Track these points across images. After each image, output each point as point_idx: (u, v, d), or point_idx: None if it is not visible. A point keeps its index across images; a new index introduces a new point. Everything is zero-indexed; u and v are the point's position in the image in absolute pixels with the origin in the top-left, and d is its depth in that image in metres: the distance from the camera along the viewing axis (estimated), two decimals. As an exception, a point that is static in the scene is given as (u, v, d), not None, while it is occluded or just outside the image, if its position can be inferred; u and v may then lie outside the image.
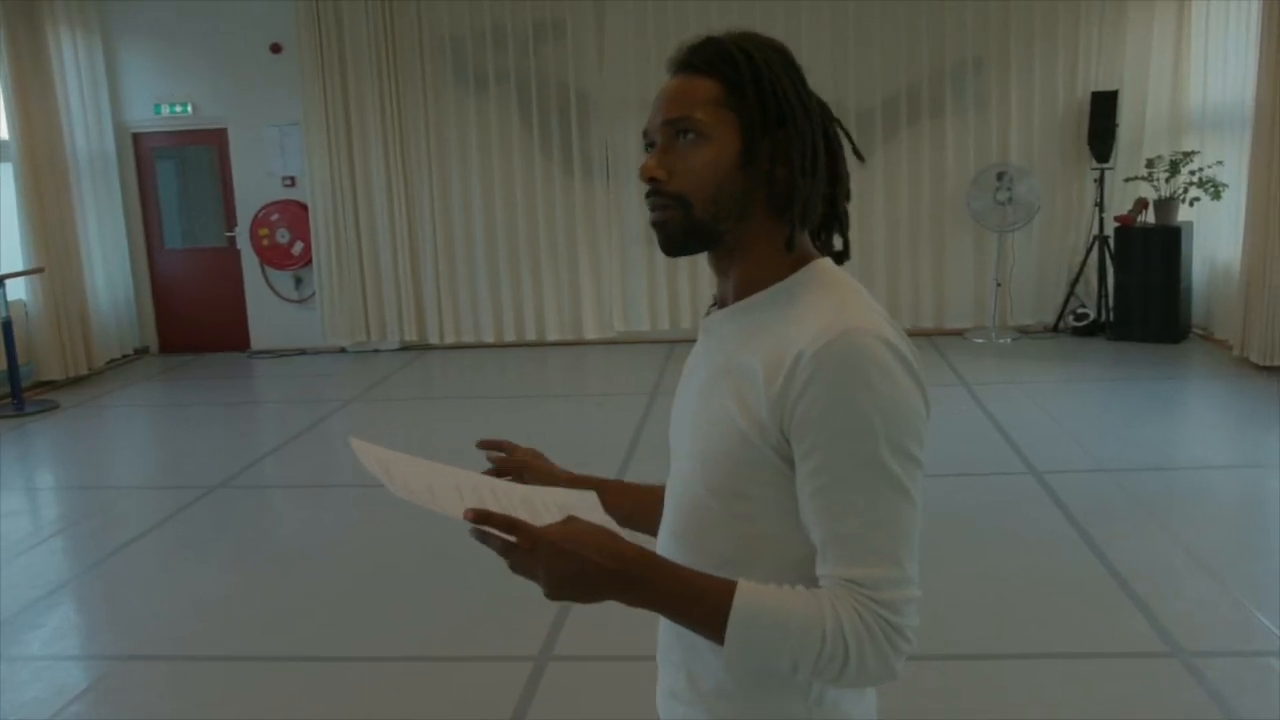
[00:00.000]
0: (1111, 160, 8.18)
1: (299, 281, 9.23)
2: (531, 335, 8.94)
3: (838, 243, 1.32)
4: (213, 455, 6.35)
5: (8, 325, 7.37)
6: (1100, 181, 8.19)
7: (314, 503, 5.53)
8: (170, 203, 9.40)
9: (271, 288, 9.26)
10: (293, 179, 9.05)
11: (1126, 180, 8.25)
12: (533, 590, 1.11)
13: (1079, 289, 8.48)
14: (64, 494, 6.10)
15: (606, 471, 5.16)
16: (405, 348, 9.07)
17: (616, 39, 8.48)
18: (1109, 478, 5.11)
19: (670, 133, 1.23)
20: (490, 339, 8.96)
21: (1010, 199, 8.16)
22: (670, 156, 1.22)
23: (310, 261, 9.02)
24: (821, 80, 8.30)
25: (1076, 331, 8.43)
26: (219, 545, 4.95)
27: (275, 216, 9.05)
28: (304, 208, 8.96)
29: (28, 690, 3.59)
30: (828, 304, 1.17)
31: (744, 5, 8.21)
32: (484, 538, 1.09)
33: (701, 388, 1.26)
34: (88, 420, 7.39)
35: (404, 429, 6.86)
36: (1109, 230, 8.21)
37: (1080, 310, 8.45)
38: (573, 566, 1.08)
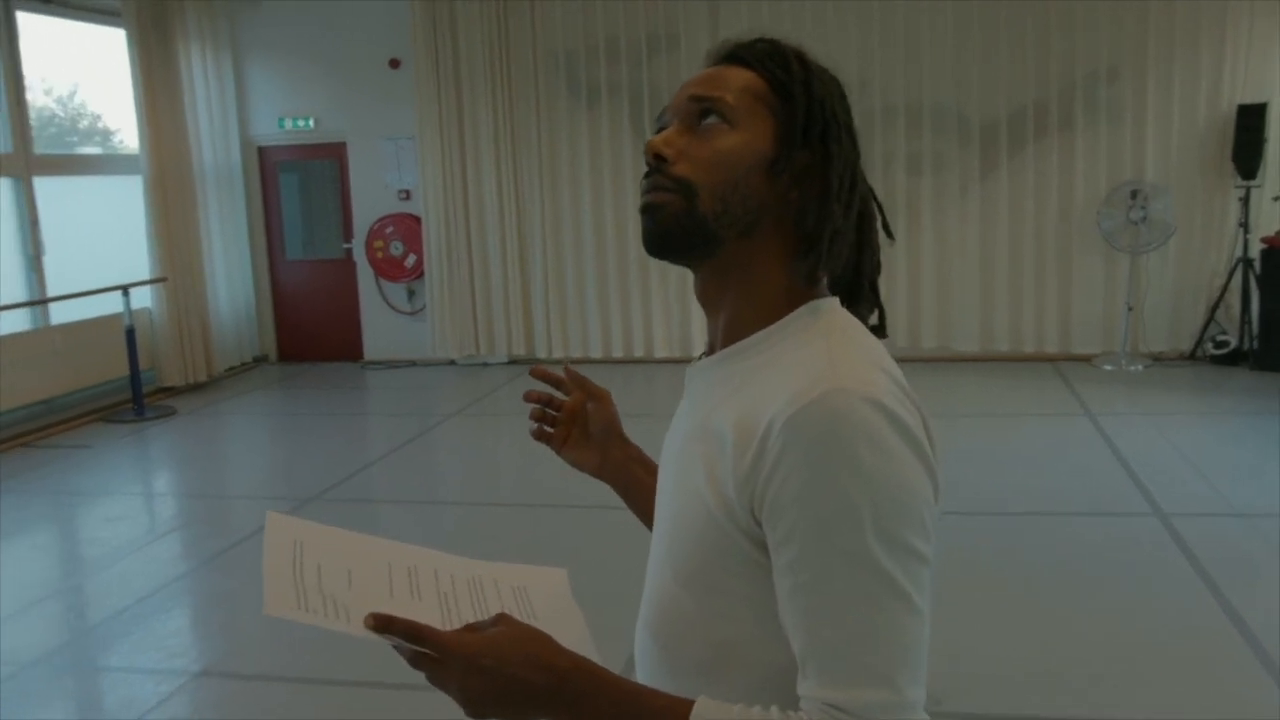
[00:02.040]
0: (1259, 177, 7.64)
1: (411, 294, 9.30)
2: (639, 352, 8.82)
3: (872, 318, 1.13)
4: (317, 465, 6.40)
5: (131, 332, 7.58)
6: (1245, 200, 7.65)
7: (411, 517, 5.49)
8: (292, 214, 9.59)
9: (385, 299, 9.36)
10: (407, 192, 9.13)
11: (1276, 199, 7.70)
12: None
13: (1219, 314, 7.94)
14: (168, 501, 6.21)
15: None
16: (513, 361, 9.05)
17: (728, 26, 8.26)
18: (1244, 523, 4.70)
19: (693, 112, 1.05)
20: (598, 354, 8.87)
21: (1144, 218, 7.69)
22: (685, 138, 1.05)
23: (422, 274, 9.08)
24: (943, 91, 8.02)
25: (1216, 360, 7.89)
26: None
27: (390, 229, 9.14)
28: (418, 220, 9.03)
29: (100, 703, 3.61)
30: (816, 356, 0.97)
31: (862, 7, 7.96)
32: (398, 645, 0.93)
33: (676, 455, 1.08)
34: (202, 427, 7.55)
35: (507, 443, 6.80)
36: (1254, 252, 7.67)
37: (1220, 337, 7.91)
38: (489, 684, 0.91)
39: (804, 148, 1.04)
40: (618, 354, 8.84)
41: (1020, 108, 8.04)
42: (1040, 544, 4.53)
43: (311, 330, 9.64)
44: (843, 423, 0.91)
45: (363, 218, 9.26)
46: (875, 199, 1.13)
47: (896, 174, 8.17)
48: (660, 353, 8.77)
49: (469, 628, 0.97)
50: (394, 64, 8.87)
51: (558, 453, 1.40)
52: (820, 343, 0.99)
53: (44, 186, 7.61)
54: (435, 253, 8.92)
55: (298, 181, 9.57)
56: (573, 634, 1.09)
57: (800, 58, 1.08)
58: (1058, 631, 3.67)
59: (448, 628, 0.99)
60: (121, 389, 7.80)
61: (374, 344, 9.44)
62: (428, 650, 0.92)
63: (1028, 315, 8.21)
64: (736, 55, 1.08)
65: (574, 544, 4.74)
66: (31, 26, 7.61)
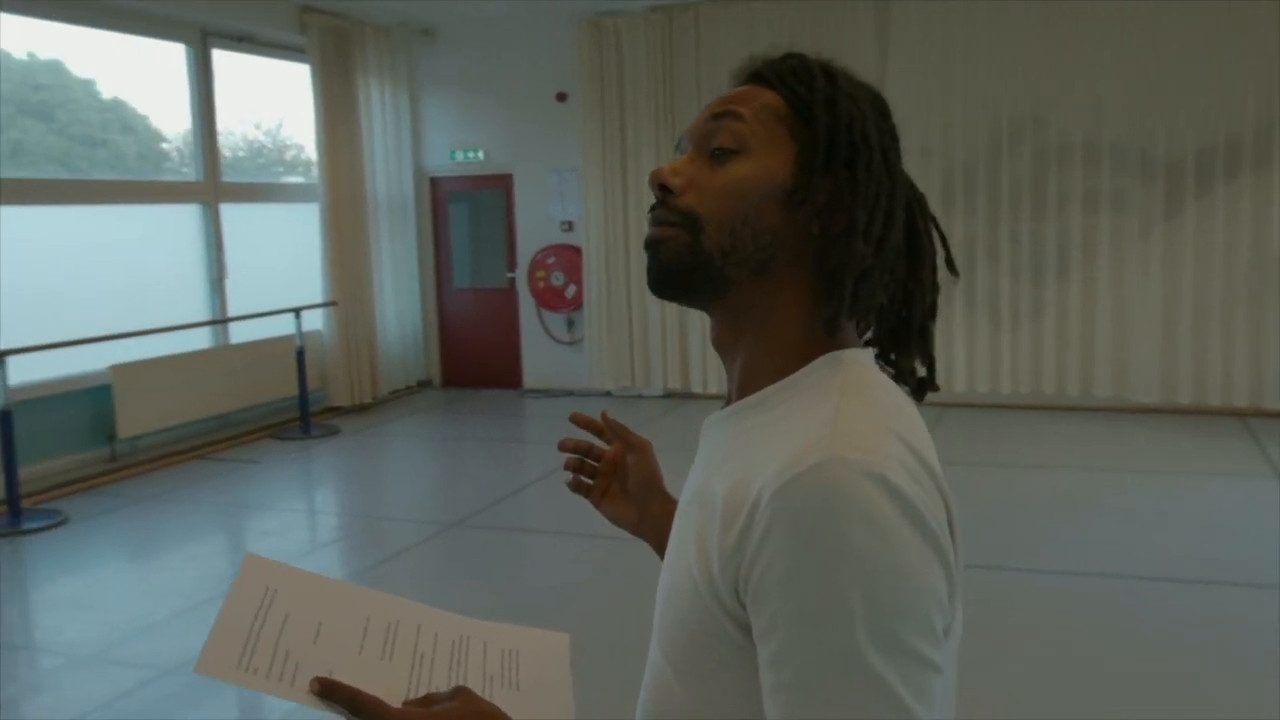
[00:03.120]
0: None
1: (570, 324, 9.40)
2: (795, 389, 8.65)
3: (919, 369, 0.99)
4: (470, 489, 6.49)
5: (301, 353, 7.91)
6: None
7: (555, 547, 5.50)
8: (460, 243, 9.85)
9: (545, 329, 9.49)
10: (570, 223, 9.25)
11: None
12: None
13: None
14: (326, 517, 6.41)
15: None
16: (668, 395, 9.02)
17: (900, 61, 8.09)
18: None
19: (708, 135, 0.95)
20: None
21: (1349, 264, 7.11)
22: (695, 166, 0.95)
23: (582, 305, 9.17)
24: (1124, 127, 7.61)
25: None
26: (446, 583, 4.99)
27: (551, 259, 9.27)
28: (578, 251, 9.13)
29: (251, 705, 3.70)
30: (821, 418, 0.84)
31: (1035, 37, 7.65)
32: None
33: (678, 520, 0.96)
34: (364, 447, 7.78)
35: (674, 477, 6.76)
36: None
37: None
38: None
39: (828, 175, 0.92)
40: (773, 391, 8.69)
41: (1210, 145, 7.56)
42: (1213, 617, 4.18)
43: (474, 357, 9.85)
44: (836, 499, 0.77)
45: (526, 248, 9.43)
46: (936, 229, 1.01)
47: (1072, 213, 7.79)
48: (816, 391, 8.59)
49: (424, 699, 0.90)
50: (561, 98, 9.03)
51: (596, 506, 1.31)
52: (830, 402, 0.87)
53: (229, 213, 8.04)
54: (594, 284, 8.99)
55: (466, 211, 9.83)
56: (554, 706, 1.01)
57: (828, 73, 0.96)
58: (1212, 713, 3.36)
59: (413, 692, 0.93)
60: (291, 407, 8.13)
61: (533, 372, 9.58)
62: None
63: (1214, 365, 7.67)
64: (760, 74, 0.98)
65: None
66: (224, 64, 8.06)
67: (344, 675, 0.89)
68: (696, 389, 8.88)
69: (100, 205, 7.15)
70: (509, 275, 9.59)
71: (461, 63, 9.37)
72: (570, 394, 9.31)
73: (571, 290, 9.21)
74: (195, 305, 7.82)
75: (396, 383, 9.43)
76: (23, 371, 6.03)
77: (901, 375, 0.99)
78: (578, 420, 1.34)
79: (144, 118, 7.84)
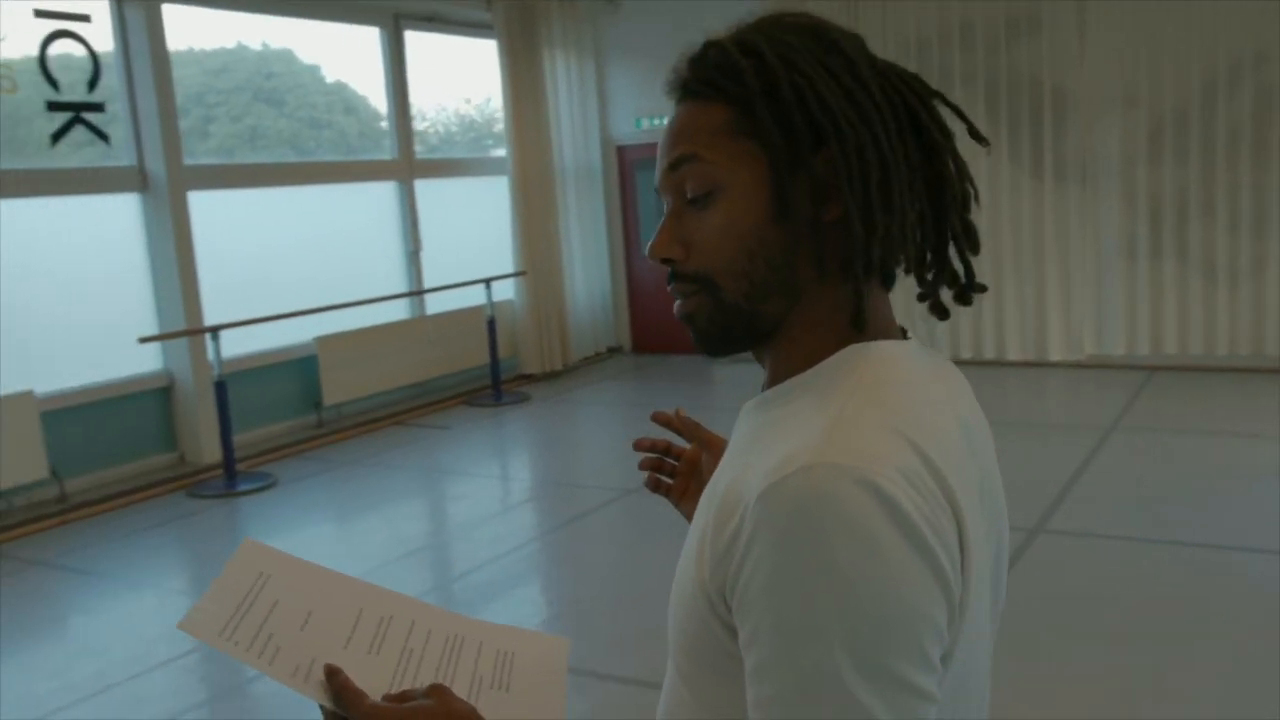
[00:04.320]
0: None
1: (757, 289, 9.31)
2: (990, 353, 8.33)
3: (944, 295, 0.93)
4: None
5: (492, 322, 8.16)
6: None
7: None
8: (648, 211, 9.92)
9: (732, 294, 9.43)
10: (755, 188, 9.15)
11: None
12: None
13: None
14: (510, 483, 6.60)
15: (1028, 515, 4.67)
16: (856, 360, 8.83)
17: (1100, 30, 7.61)
18: None
19: (677, 185, 0.89)
20: (945, 355, 8.46)
21: None
22: (683, 223, 0.89)
23: (768, 269, 9.06)
24: None
25: None
26: (627, 546, 5.07)
27: (737, 225, 9.20)
28: (764, 216, 9.03)
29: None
30: (825, 415, 0.79)
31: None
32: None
33: (695, 514, 0.92)
34: (554, 413, 7.97)
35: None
36: None
37: None
38: None
39: (800, 167, 0.85)
40: (966, 355, 8.40)
41: None
42: None
43: (665, 323, 9.92)
44: (821, 508, 0.72)
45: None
46: (950, 104, 0.93)
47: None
48: (1012, 355, 8.25)
49: (401, 695, 0.91)
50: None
51: (675, 505, 1.27)
52: (837, 401, 0.81)
53: (423, 189, 8.35)
54: (781, 248, 8.87)
55: (653, 179, 9.85)
56: (543, 710, 1.00)
57: (753, 51, 0.86)
58: None
59: (395, 688, 0.93)
60: (484, 375, 8.41)
61: (721, 338, 9.54)
62: (341, 712, 0.87)
63: None
64: (687, 88, 0.90)
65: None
66: (415, 44, 8.35)
67: (324, 665, 0.91)
68: (886, 354, 8.66)
69: (303, 186, 7.55)
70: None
71: (646, 30, 9.38)
72: (760, 360, 9.24)
73: (757, 255, 9.12)
74: (393, 278, 8.19)
75: (587, 349, 9.60)
76: (236, 344, 6.46)
77: (940, 281, 0.93)
78: (658, 419, 1.30)
79: (364, 99, 8.26)
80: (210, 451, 6.36)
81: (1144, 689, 3.32)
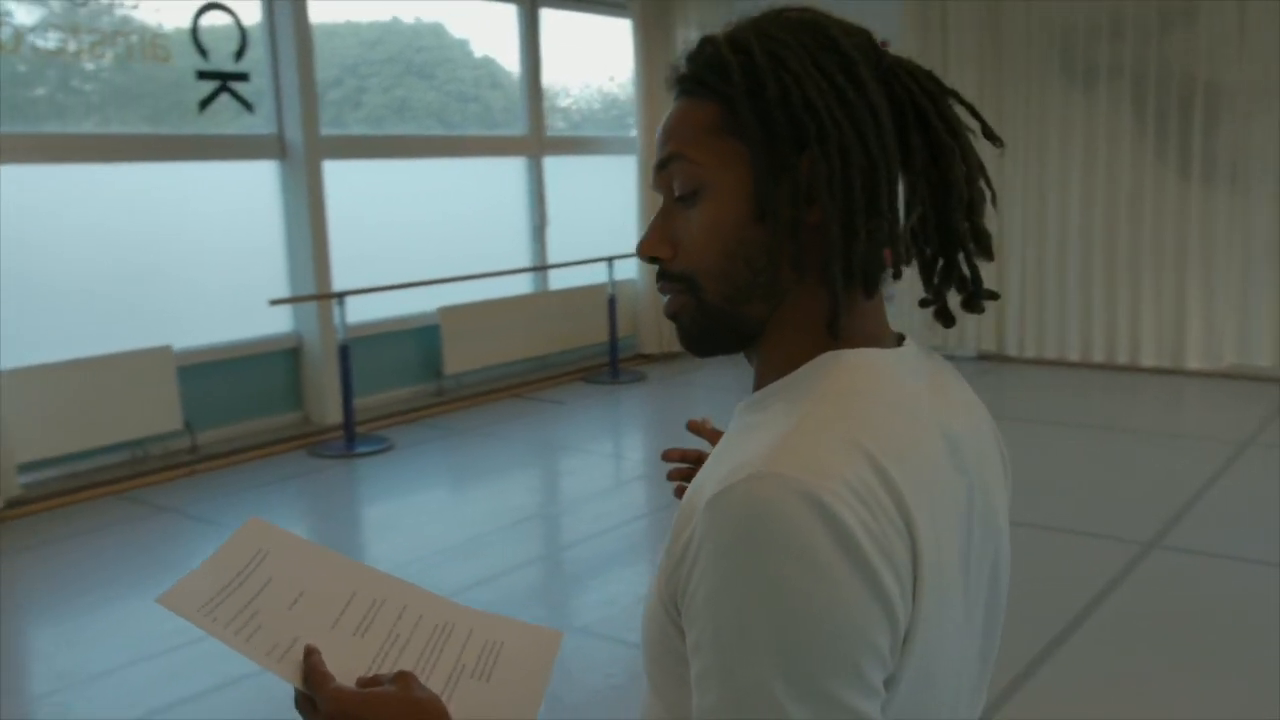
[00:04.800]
0: None
1: (884, 280, 9.14)
2: (1123, 358, 8.01)
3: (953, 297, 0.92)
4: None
5: (612, 301, 8.22)
6: None
7: None
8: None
9: (856, 284, 9.30)
10: (886, 176, 8.98)
11: None
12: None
13: None
14: (620, 461, 6.66)
15: (1144, 528, 4.50)
16: (981, 357, 8.61)
17: (1262, 22, 7.22)
18: None
19: (666, 185, 0.89)
20: (1075, 357, 8.18)
21: None
22: (671, 222, 0.89)
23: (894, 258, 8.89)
24: None
25: None
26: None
27: (865, 213, 9.06)
28: (893, 206, 8.86)
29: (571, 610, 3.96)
30: (784, 424, 0.78)
31: None
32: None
33: None
34: (667, 394, 8.00)
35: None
36: None
37: None
38: None
39: (784, 169, 0.83)
40: (1098, 358, 8.10)
41: None
42: None
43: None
44: (761, 520, 0.71)
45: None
46: (964, 103, 0.91)
47: None
48: (1147, 360, 7.91)
49: (372, 680, 0.92)
50: (882, 46, 8.73)
51: None
52: (802, 408, 0.80)
53: (553, 165, 8.45)
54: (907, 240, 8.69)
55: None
56: (519, 701, 1.00)
57: (743, 49, 0.85)
58: None
59: (374, 671, 0.95)
60: (602, 352, 8.48)
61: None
62: (308, 692, 0.89)
63: None
64: (682, 84, 0.89)
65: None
66: (550, 21, 8.43)
67: (306, 644, 0.93)
68: (1012, 351, 8.43)
69: (433, 159, 7.72)
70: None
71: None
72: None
73: (884, 245, 8.95)
74: (518, 253, 8.31)
75: (706, 332, 9.57)
76: (362, 311, 6.66)
77: (947, 286, 0.92)
78: (692, 428, 1.30)
79: (509, 74, 8.42)
80: (332, 413, 6.59)
81: None
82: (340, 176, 6.87)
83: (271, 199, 6.72)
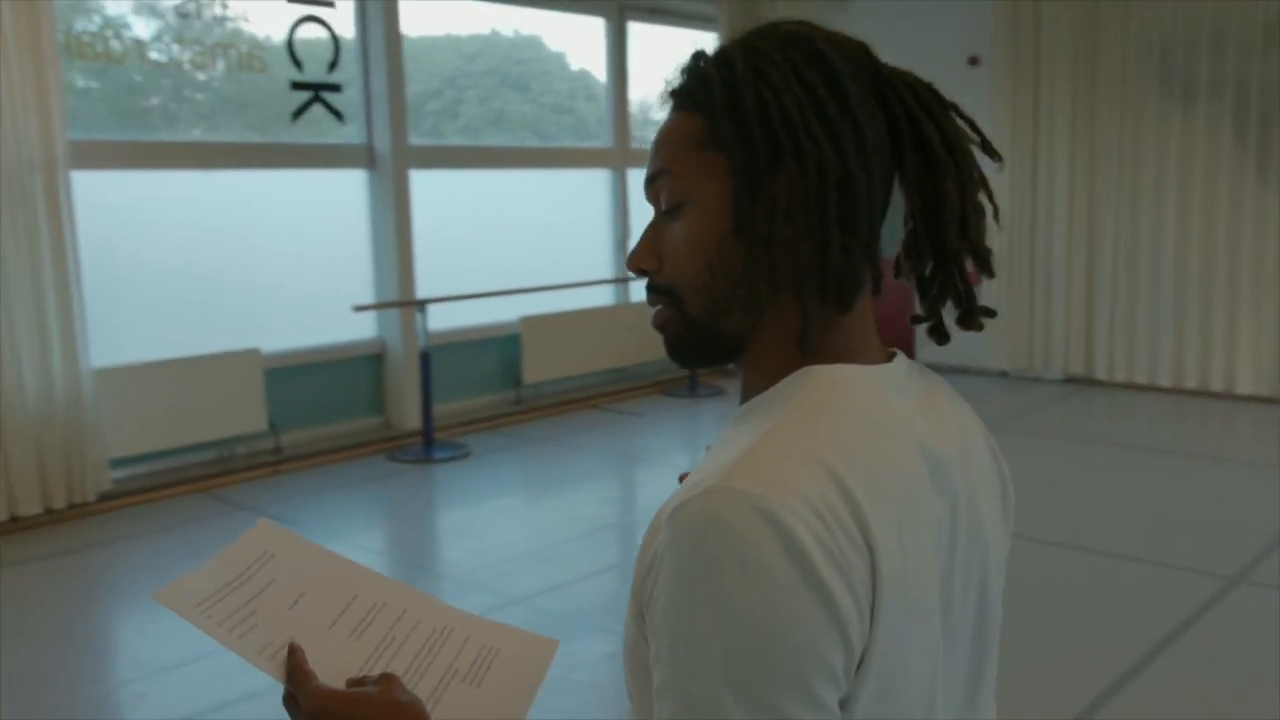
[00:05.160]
0: None
1: (969, 298, 9.00)
2: (1218, 384, 7.75)
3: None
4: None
5: (693, 315, 8.22)
6: None
7: None
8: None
9: (941, 302, 9.16)
10: (975, 193, 8.84)
11: None
12: None
13: None
14: (668, 473, 6.63)
15: (1229, 562, 4.35)
16: (1069, 380, 8.41)
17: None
18: None
19: (654, 198, 0.90)
20: (1166, 382, 7.94)
21: None
22: (659, 233, 0.90)
23: (981, 280, 8.74)
24: None
25: None
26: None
27: (952, 230, 8.92)
28: (981, 223, 8.72)
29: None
30: (748, 439, 0.78)
31: None
32: None
33: None
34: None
35: (1044, 467, 6.35)
36: None
37: None
38: None
39: (761, 185, 0.83)
40: (1190, 384, 7.85)
41: None
42: None
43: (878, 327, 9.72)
44: (714, 534, 0.71)
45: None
46: (963, 117, 0.90)
47: None
48: (1243, 388, 7.64)
49: (356, 681, 0.94)
50: (973, 61, 8.62)
51: None
52: (770, 423, 0.80)
53: (636, 178, 8.49)
54: (996, 258, 8.51)
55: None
56: (506, 707, 1.01)
57: (725, 62, 0.86)
58: None
59: (364, 673, 0.96)
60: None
61: (927, 345, 9.26)
62: (291, 689, 0.91)
63: None
64: (673, 97, 0.90)
65: (1052, 587, 4.32)
66: (639, 35, 8.49)
67: (302, 644, 0.95)
68: (1101, 375, 8.21)
69: (519, 170, 7.83)
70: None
71: (875, 29, 9.15)
72: (965, 372, 8.94)
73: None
74: (602, 264, 8.37)
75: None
76: (445, 319, 6.77)
77: (942, 299, 0.92)
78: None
79: (604, 86, 8.52)
80: (412, 418, 6.70)
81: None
82: (430, 186, 7.00)
83: (360, 207, 6.87)
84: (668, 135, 0.90)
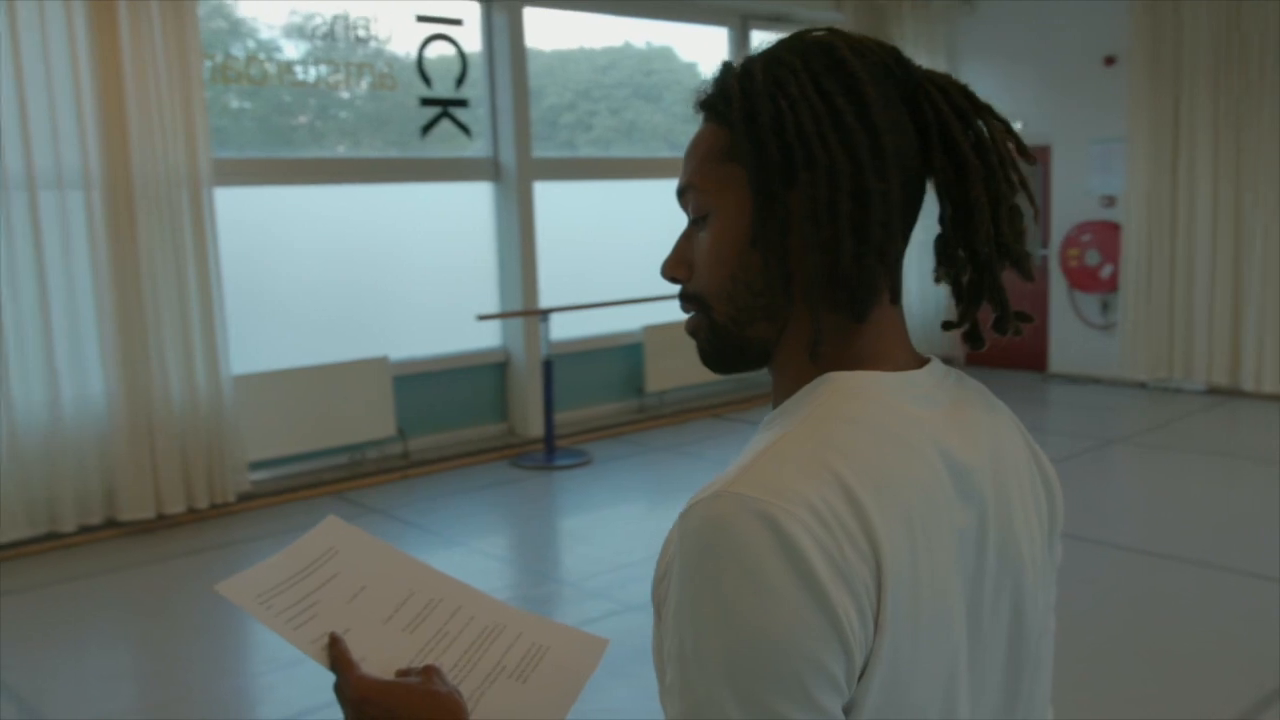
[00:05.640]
0: None
1: (1105, 306, 8.72)
2: (1375, 396, 7.33)
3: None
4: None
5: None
6: None
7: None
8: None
9: (1076, 310, 8.89)
10: (1111, 198, 8.56)
11: None
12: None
13: None
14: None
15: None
16: (1211, 391, 8.05)
17: None
18: None
19: (685, 208, 0.92)
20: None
21: None
22: (690, 242, 0.92)
23: (1117, 286, 8.46)
24: None
25: None
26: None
27: (1086, 237, 8.65)
28: (1116, 229, 8.43)
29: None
30: (760, 443, 0.80)
31: None
32: None
33: None
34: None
35: (1183, 480, 6.11)
36: None
37: None
38: None
39: (776, 199, 0.84)
40: (1332, 396, 7.44)
41: None
42: None
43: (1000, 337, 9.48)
44: (718, 537, 0.73)
45: (1061, 223, 8.88)
46: (999, 119, 0.89)
47: None
48: (1403, 401, 7.21)
49: (401, 672, 0.98)
50: (1109, 61, 8.35)
51: None
52: (781, 429, 0.81)
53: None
54: (1134, 264, 8.25)
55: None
56: (550, 704, 1.03)
57: (746, 73, 0.87)
58: None
59: (416, 665, 1.00)
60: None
61: (1060, 356, 9.03)
62: (336, 677, 0.95)
63: None
64: (701, 108, 0.92)
65: (1192, 606, 4.15)
66: (760, 39, 8.48)
67: (357, 636, 0.99)
68: (1248, 386, 7.83)
69: (639, 180, 7.89)
70: (1041, 252, 9.10)
71: (1003, 29, 9.00)
72: (1098, 382, 8.66)
73: (1108, 270, 8.53)
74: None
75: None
76: (568, 328, 6.87)
77: (974, 307, 0.91)
78: None
79: None
80: (535, 425, 6.82)
81: None
82: (557, 197, 7.12)
83: (485, 219, 7.04)
84: (695, 147, 0.92)
